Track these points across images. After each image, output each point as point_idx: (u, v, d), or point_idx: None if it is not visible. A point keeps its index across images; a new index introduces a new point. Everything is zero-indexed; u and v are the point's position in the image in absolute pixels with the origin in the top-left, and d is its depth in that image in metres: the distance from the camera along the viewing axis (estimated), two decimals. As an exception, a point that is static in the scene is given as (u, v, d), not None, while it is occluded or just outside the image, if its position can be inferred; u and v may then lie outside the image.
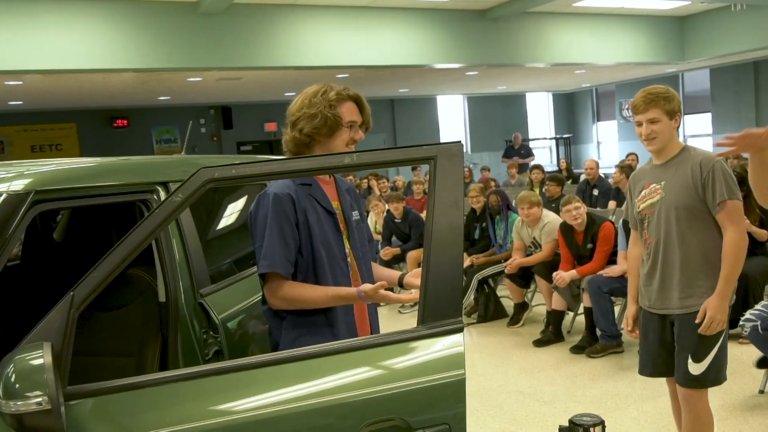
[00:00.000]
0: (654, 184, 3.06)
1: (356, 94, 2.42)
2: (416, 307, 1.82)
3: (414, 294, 2.13)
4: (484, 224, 7.15)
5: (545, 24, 12.12)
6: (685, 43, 13.53)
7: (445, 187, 1.81)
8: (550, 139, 22.03)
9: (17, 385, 1.45)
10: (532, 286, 6.60)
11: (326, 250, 2.29)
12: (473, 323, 6.66)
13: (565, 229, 5.80)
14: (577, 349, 5.48)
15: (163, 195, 2.44)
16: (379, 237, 8.11)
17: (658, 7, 12.30)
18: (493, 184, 10.77)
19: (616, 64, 13.56)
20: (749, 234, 4.29)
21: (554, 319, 5.88)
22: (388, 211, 8.16)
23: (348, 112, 2.38)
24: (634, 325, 3.27)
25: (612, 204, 8.50)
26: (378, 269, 2.59)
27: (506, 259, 6.45)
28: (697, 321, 2.94)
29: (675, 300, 3.02)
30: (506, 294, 6.80)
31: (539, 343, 5.78)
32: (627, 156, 11.90)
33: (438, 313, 1.76)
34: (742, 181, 3.62)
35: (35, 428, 1.46)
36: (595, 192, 9.28)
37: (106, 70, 9.56)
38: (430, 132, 20.13)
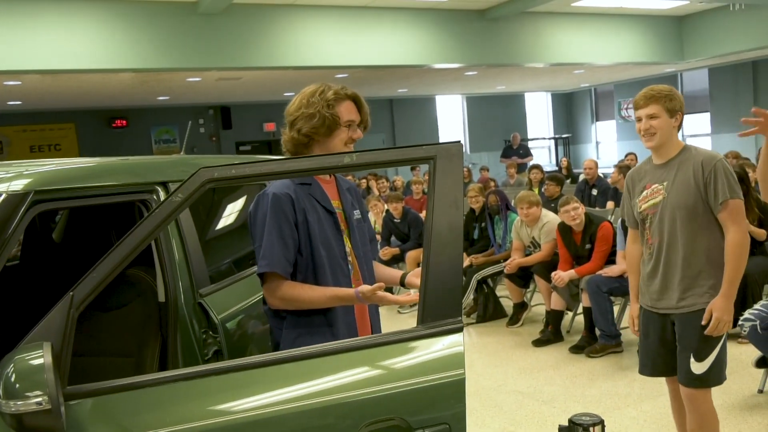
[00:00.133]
0: (656, 185, 3.05)
1: (354, 93, 2.41)
2: (416, 307, 1.82)
3: (412, 295, 2.13)
4: (483, 224, 7.15)
5: (544, 24, 12.12)
6: (683, 42, 13.54)
7: (444, 187, 1.81)
8: (549, 139, 22.04)
9: (17, 385, 1.45)
10: (532, 286, 6.60)
11: (326, 250, 2.29)
12: (472, 323, 6.66)
13: (564, 229, 5.80)
14: (576, 349, 5.48)
15: (162, 195, 2.44)
16: (378, 237, 8.11)
17: (657, 6, 12.30)
18: (492, 184, 10.77)
19: (615, 64, 13.56)
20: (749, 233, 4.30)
21: (553, 318, 5.88)
22: (387, 211, 8.17)
23: (346, 111, 2.37)
24: (638, 324, 3.25)
25: (610, 204, 8.51)
26: (379, 268, 2.59)
27: (505, 259, 6.45)
28: (703, 323, 2.93)
29: (676, 299, 3.02)
30: (505, 294, 6.80)
31: (538, 343, 5.78)
32: (626, 156, 11.91)
33: (437, 312, 1.76)
34: (741, 180, 3.62)
35: (35, 428, 1.46)
36: (594, 192, 9.29)
37: (105, 70, 9.56)
38: (429, 132, 20.12)
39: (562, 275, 5.59)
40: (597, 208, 8.22)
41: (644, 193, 3.10)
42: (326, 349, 1.75)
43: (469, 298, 6.78)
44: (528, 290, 6.69)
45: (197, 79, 12.68)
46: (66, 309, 1.60)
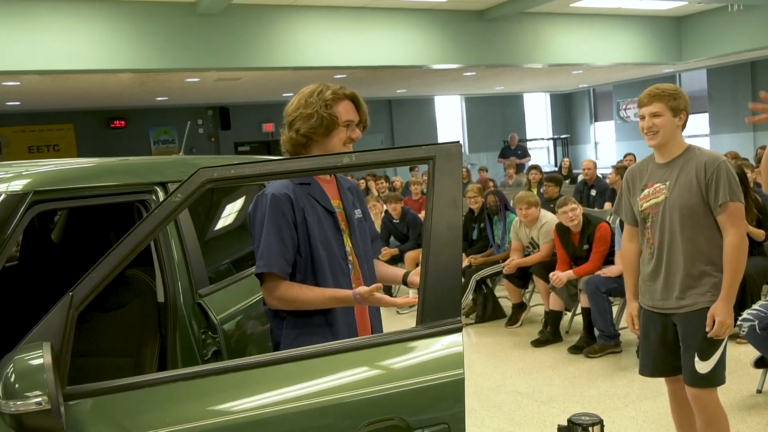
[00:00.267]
0: (658, 184, 3.04)
1: (352, 93, 2.41)
2: (415, 308, 1.82)
3: (410, 298, 2.13)
4: (482, 224, 7.15)
5: (543, 24, 12.13)
6: (682, 43, 13.55)
7: (443, 187, 1.81)
8: (548, 139, 22.05)
9: (17, 385, 1.45)
10: (530, 287, 6.60)
11: (326, 250, 2.29)
12: (471, 324, 6.66)
13: (561, 229, 5.81)
14: (575, 350, 5.49)
15: (161, 195, 2.44)
16: (377, 237, 8.09)
17: (656, 7, 12.31)
18: (491, 184, 10.77)
19: (614, 64, 13.57)
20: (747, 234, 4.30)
21: (552, 319, 5.88)
22: (386, 211, 8.16)
23: (344, 111, 2.37)
24: (638, 323, 3.23)
25: (608, 205, 8.52)
26: (381, 267, 2.58)
27: (504, 260, 6.45)
28: (707, 329, 2.93)
29: (679, 299, 3.01)
30: (504, 294, 6.81)
31: (537, 344, 5.78)
32: (624, 156, 11.91)
33: (437, 313, 1.76)
34: (740, 180, 3.61)
35: (35, 428, 1.46)
36: (593, 192, 9.30)
37: (103, 71, 9.55)
38: (428, 132, 20.12)
39: (560, 276, 5.59)
40: (596, 209, 8.23)
41: (645, 191, 3.09)
42: (325, 349, 1.75)
43: (468, 298, 6.77)
44: (527, 291, 6.69)
45: (196, 79, 12.68)
46: (65, 309, 1.60)
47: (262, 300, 2.34)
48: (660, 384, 3.41)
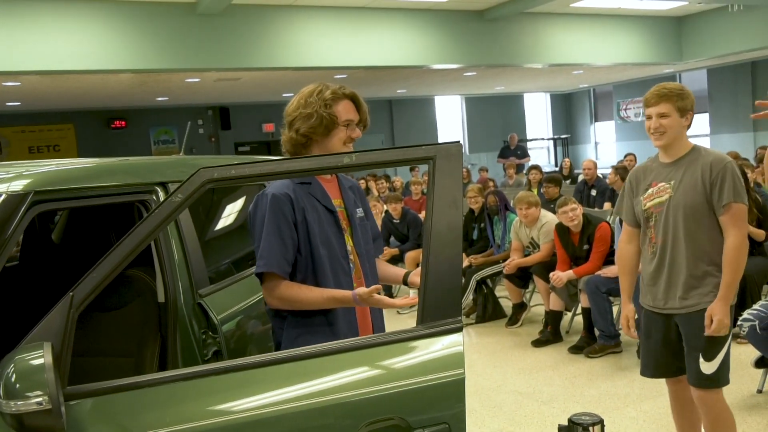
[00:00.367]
0: (663, 183, 3.02)
1: (352, 93, 2.41)
2: (415, 308, 1.82)
3: (409, 299, 2.13)
4: (482, 225, 7.15)
5: (543, 24, 12.12)
6: (682, 43, 13.54)
7: (444, 187, 1.81)
8: (548, 139, 22.04)
9: (18, 385, 1.45)
10: (531, 287, 6.60)
11: (326, 249, 2.29)
12: (472, 324, 6.66)
13: (561, 229, 5.81)
14: (575, 350, 5.49)
15: (161, 195, 2.44)
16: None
17: (656, 7, 12.31)
18: (491, 184, 10.77)
19: (614, 64, 13.56)
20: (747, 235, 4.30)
21: (552, 319, 5.88)
22: (387, 211, 8.17)
23: (344, 110, 2.37)
24: (633, 325, 3.21)
25: (607, 205, 8.51)
26: (382, 267, 2.58)
27: (504, 260, 6.45)
28: (706, 332, 2.92)
29: (682, 299, 2.99)
30: (505, 294, 6.80)
31: (538, 344, 5.78)
32: (625, 156, 11.91)
33: (437, 312, 1.76)
34: None
35: (35, 428, 1.46)
36: (593, 192, 9.30)
37: (103, 71, 9.55)
38: (428, 133, 20.12)
39: (560, 275, 5.59)
40: (596, 209, 8.23)
41: (649, 191, 3.07)
42: (326, 348, 1.75)
43: (468, 298, 6.77)
44: (527, 291, 6.69)
45: (196, 79, 12.68)
46: (66, 309, 1.60)
47: (263, 300, 2.34)
48: (660, 384, 3.41)
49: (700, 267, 2.97)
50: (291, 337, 2.28)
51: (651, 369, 3.22)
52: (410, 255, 7.61)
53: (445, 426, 1.73)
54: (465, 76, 14.96)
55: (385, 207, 8.34)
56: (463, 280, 6.63)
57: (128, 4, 9.15)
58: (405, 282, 2.45)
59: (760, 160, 9.06)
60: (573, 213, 5.62)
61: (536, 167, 10.70)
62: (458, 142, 1.85)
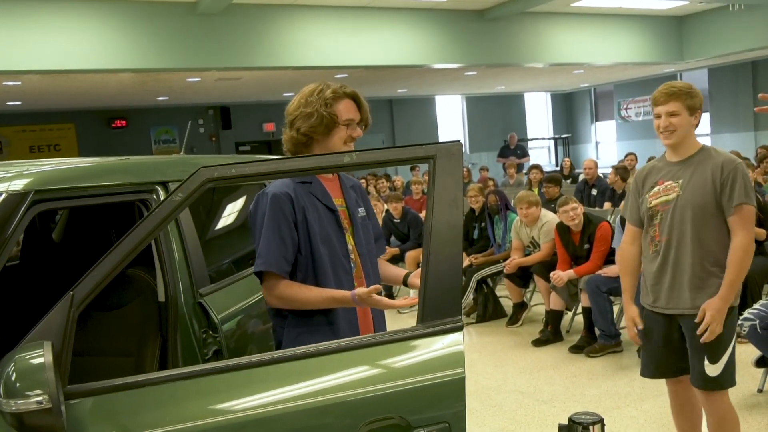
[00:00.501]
0: (670, 182, 3.00)
1: (353, 92, 2.41)
2: (416, 307, 1.82)
3: (408, 300, 2.12)
4: (482, 224, 7.15)
5: (543, 24, 12.12)
6: (683, 43, 13.54)
7: (444, 186, 1.81)
8: (549, 139, 22.03)
9: (18, 384, 1.45)
10: (531, 286, 6.60)
11: (327, 248, 2.29)
12: (472, 323, 6.66)
13: (562, 229, 5.81)
14: (575, 349, 5.48)
15: (162, 195, 2.44)
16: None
17: (657, 6, 12.30)
18: (491, 183, 10.77)
19: (615, 64, 13.56)
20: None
21: (553, 318, 5.88)
22: (387, 211, 8.17)
23: (345, 109, 2.37)
24: (640, 324, 3.13)
25: (607, 205, 8.51)
26: (384, 267, 2.58)
27: (505, 259, 6.45)
28: (696, 321, 2.91)
29: (686, 300, 2.97)
30: (505, 294, 6.80)
31: (538, 343, 5.78)
32: (625, 156, 11.90)
33: (437, 312, 1.76)
34: None
35: (36, 427, 1.46)
36: (594, 192, 9.30)
37: (104, 71, 9.55)
38: (429, 132, 20.11)
39: (561, 275, 5.59)
40: (597, 208, 8.23)
41: (656, 188, 3.04)
42: (326, 348, 1.75)
43: (468, 298, 6.77)
44: (527, 290, 6.69)
45: (197, 79, 12.68)
46: (66, 308, 1.60)
47: (263, 299, 2.34)
48: (661, 383, 3.40)
49: (705, 267, 2.94)
50: (292, 335, 2.28)
51: (651, 369, 3.20)
52: (411, 254, 7.61)
53: (445, 425, 1.73)
54: (466, 75, 14.96)
55: (385, 206, 8.34)
56: (464, 280, 6.63)
57: (129, 4, 9.15)
58: (405, 283, 2.45)
59: (760, 160, 9.07)
60: (574, 212, 5.62)
61: (537, 167, 10.69)
62: (458, 141, 1.85)
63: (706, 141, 17.24)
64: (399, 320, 6.77)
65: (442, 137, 20.12)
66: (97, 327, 2.56)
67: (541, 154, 21.67)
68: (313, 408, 1.66)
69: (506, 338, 6.12)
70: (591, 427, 1.88)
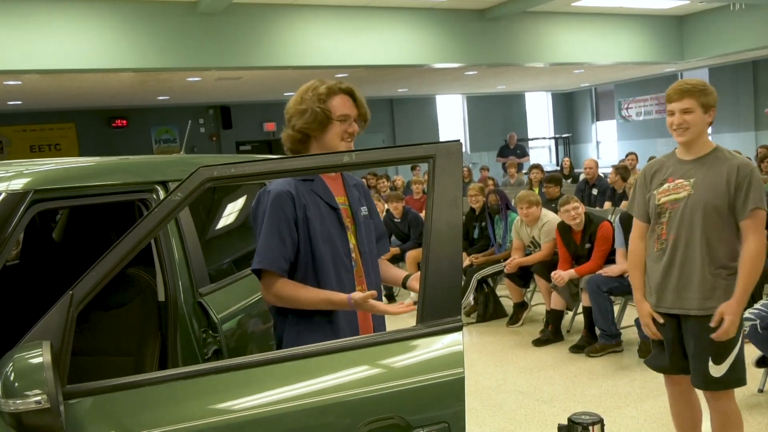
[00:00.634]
0: (681, 180, 2.96)
1: (348, 87, 2.39)
2: (415, 307, 1.82)
3: (404, 307, 2.11)
4: (483, 224, 7.15)
5: (544, 24, 12.11)
6: (684, 42, 13.53)
7: (443, 185, 1.80)
8: (549, 138, 22.03)
9: (16, 384, 1.45)
10: (532, 286, 6.60)
11: (328, 246, 2.29)
12: (472, 323, 6.66)
13: (563, 228, 5.80)
14: (576, 349, 5.48)
15: (162, 194, 2.44)
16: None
17: (657, 6, 12.30)
18: (491, 183, 10.76)
19: (615, 63, 13.55)
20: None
21: (553, 318, 5.88)
22: (388, 210, 8.17)
23: (340, 105, 2.36)
24: (653, 324, 3.08)
25: (607, 204, 8.50)
26: (384, 267, 2.57)
27: (505, 259, 6.45)
28: (712, 324, 2.88)
29: (695, 301, 2.93)
30: (505, 293, 6.80)
31: (538, 343, 5.78)
32: (626, 156, 11.89)
33: (437, 311, 1.76)
34: None
35: (34, 427, 1.46)
36: (594, 191, 9.29)
37: (104, 70, 9.55)
38: (430, 132, 20.10)
39: (562, 274, 5.59)
40: (597, 208, 8.22)
41: (665, 186, 3.00)
42: (325, 347, 1.75)
43: (469, 297, 6.77)
44: (528, 290, 6.69)
45: (197, 78, 12.68)
46: (65, 308, 1.60)
47: (263, 299, 2.34)
48: (662, 383, 3.40)
49: (712, 269, 2.91)
50: (292, 333, 2.28)
51: (654, 364, 3.18)
52: (411, 254, 7.61)
53: (444, 425, 1.73)
54: (466, 75, 14.95)
55: (386, 206, 8.34)
56: (464, 280, 6.63)
57: (129, 3, 9.14)
58: (404, 285, 2.45)
59: (761, 160, 9.07)
60: (575, 211, 5.61)
61: (537, 166, 10.68)
62: (458, 140, 1.85)
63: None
64: (399, 320, 6.76)
65: (443, 137, 20.11)
66: (97, 326, 2.56)
67: (542, 154, 21.66)
68: (313, 408, 1.66)
69: (506, 338, 6.12)
70: (590, 428, 1.88)
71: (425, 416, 1.72)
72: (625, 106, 20.05)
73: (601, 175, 9.77)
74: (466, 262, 6.77)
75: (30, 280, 3.35)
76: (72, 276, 1.87)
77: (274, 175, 2.03)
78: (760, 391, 4.32)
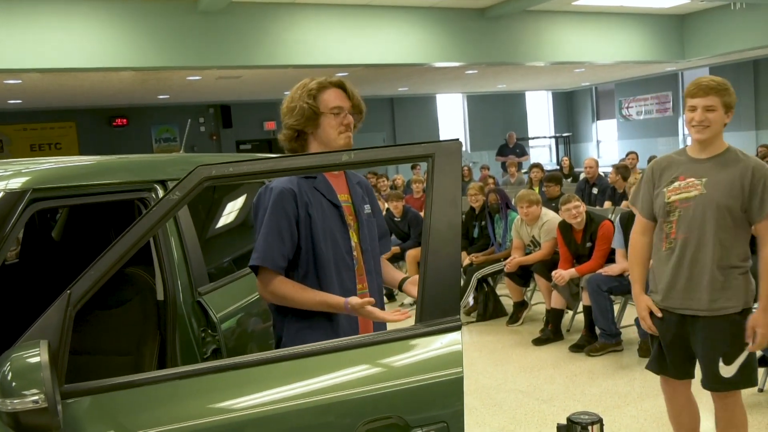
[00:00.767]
0: (692, 179, 2.91)
1: (339, 80, 2.39)
2: (415, 306, 1.81)
3: (400, 314, 2.08)
4: (483, 223, 7.15)
5: (545, 22, 12.11)
6: (684, 41, 13.52)
7: (443, 184, 1.80)
8: (550, 137, 22.02)
9: (14, 383, 1.45)
10: (532, 285, 6.60)
11: (330, 244, 2.28)
12: (473, 322, 6.66)
13: (564, 227, 5.80)
14: (576, 348, 5.48)
15: (161, 193, 2.44)
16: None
17: (658, 5, 12.29)
18: (491, 182, 10.75)
19: (616, 62, 13.54)
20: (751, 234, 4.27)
21: (553, 317, 5.88)
22: (388, 209, 8.16)
23: (332, 98, 2.35)
24: (651, 319, 3.07)
25: (608, 204, 8.50)
26: (384, 266, 2.56)
27: (505, 258, 6.45)
28: (747, 340, 2.87)
29: (705, 302, 2.91)
30: (505, 293, 6.80)
31: (538, 342, 5.78)
32: (627, 155, 11.88)
33: (436, 311, 1.75)
34: None
35: (32, 426, 1.46)
36: (595, 190, 9.29)
37: (105, 69, 9.55)
38: (430, 131, 20.11)
39: (562, 274, 5.59)
40: (598, 207, 8.22)
41: (675, 184, 2.95)
42: (324, 347, 1.74)
43: (469, 297, 6.77)
44: (528, 289, 6.69)
45: (197, 77, 12.68)
46: (63, 307, 1.60)
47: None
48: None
49: (723, 269, 2.89)
50: (292, 331, 2.27)
51: (656, 366, 3.14)
52: (411, 253, 7.61)
53: (443, 425, 1.72)
54: (467, 74, 14.95)
55: (386, 205, 8.34)
56: (464, 279, 6.62)
57: (130, 2, 9.14)
58: (400, 288, 2.44)
59: (761, 159, 9.05)
60: (576, 210, 5.61)
61: (537, 165, 10.68)
62: (457, 139, 1.84)
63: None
64: (399, 319, 6.77)
65: (443, 136, 20.12)
66: (96, 326, 2.55)
67: (542, 153, 21.66)
68: (312, 407, 1.66)
69: (506, 337, 6.12)
70: (589, 428, 1.87)
71: (424, 416, 1.72)
72: (626, 105, 20.05)
73: (602, 174, 9.77)
74: (466, 261, 6.77)
75: (29, 279, 3.35)
76: (71, 275, 1.87)
77: (272, 174, 2.02)
78: (761, 390, 4.32)
